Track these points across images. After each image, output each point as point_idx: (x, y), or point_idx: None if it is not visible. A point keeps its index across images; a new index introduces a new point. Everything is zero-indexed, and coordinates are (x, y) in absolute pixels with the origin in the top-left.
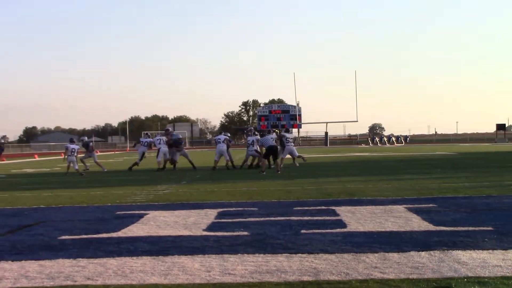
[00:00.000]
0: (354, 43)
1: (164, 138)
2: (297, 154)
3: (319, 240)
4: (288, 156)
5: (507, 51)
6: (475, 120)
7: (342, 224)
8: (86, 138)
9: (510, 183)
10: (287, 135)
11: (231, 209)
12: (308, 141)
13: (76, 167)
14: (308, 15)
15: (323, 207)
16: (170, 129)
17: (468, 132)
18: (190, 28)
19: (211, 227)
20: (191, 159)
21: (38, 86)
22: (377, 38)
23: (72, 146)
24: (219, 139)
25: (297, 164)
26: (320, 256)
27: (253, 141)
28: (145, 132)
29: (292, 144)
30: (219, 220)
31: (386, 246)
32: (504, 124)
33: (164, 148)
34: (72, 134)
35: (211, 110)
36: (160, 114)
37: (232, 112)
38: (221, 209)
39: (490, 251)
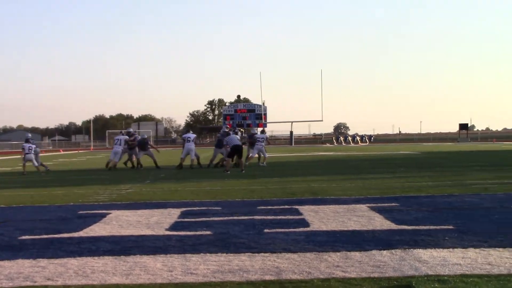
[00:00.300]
0: (320, 42)
1: (122, 138)
2: (266, 154)
3: (282, 239)
4: (255, 155)
5: (469, 52)
6: (438, 120)
7: (305, 223)
8: (28, 135)
9: (472, 182)
10: (259, 135)
11: (195, 208)
12: (273, 140)
13: (36, 164)
14: (274, 14)
15: (286, 206)
16: (132, 130)
17: (432, 131)
18: (153, 25)
19: (174, 226)
20: (155, 159)
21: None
22: (343, 37)
23: (28, 145)
24: (189, 137)
25: (262, 164)
26: (283, 255)
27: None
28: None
29: (263, 144)
30: (182, 220)
31: (348, 245)
32: (467, 124)
33: (117, 149)
34: (35, 133)
35: (176, 109)
36: (124, 113)
37: (197, 111)
38: (184, 209)
39: (451, 249)
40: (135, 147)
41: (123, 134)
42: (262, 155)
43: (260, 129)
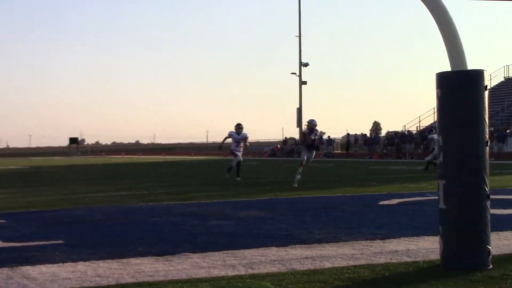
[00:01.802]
0: None
1: None
2: None
3: None
4: None
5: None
6: (48, 134)
7: None
8: None
9: (83, 195)
10: None
11: None
12: None
13: None
14: None
15: None
16: None
17: (42, 146)
18: None
19: None
20: None
21: None
22: None
23: None
24: None
25: None
26: None
27: None
28: None
29: None
30: None
31: None
32: (77, 138)
33: None
34: None
35: None
36: None
37: None
38: None
39: (61, 264)
40: None
41: None
42: None
43: None
